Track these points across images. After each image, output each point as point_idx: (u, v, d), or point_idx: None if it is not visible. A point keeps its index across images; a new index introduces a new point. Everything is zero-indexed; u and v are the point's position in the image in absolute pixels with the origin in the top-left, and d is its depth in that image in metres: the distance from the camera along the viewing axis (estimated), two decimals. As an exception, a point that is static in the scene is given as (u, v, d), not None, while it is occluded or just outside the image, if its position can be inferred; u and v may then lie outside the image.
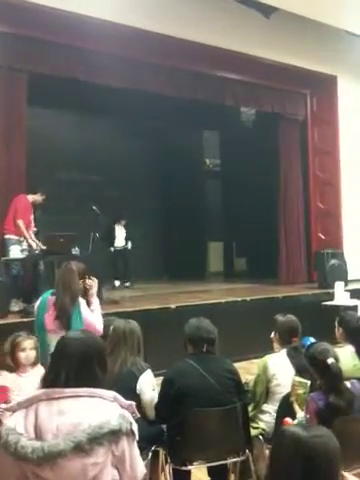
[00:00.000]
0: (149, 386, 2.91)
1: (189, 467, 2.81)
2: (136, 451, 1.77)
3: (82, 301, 3.58)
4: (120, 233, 9.20)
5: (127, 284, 9.13)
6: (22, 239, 6.01)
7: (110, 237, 9.06)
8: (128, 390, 2.65)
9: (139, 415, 1.85)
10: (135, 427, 1.75)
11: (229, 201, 11.33)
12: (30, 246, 6.03)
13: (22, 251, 5.93)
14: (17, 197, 6.17)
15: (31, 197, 6.31)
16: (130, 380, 2.85)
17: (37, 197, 6.39)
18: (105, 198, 9.07)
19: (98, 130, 10.05)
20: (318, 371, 2.60)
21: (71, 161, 9.66)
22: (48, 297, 3.61)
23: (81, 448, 1.61)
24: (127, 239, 9.21)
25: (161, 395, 2.88)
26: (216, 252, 11.91)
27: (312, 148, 9.35)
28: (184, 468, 2.79)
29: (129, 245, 9.17)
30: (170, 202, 11.08)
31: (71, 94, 7.90)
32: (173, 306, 6.33)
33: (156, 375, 3.04)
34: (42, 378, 1.89)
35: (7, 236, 5.92)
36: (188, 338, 2.98)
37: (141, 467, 1.80)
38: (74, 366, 1.77)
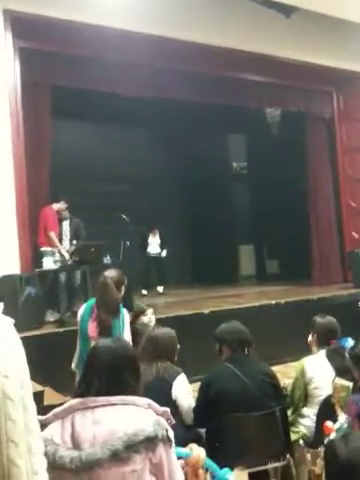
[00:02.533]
0: (184, 391, 2.90)
1: (230, 473, 2.78)
2: (174, 458, 1.76)
3: (126, 312, 3.66)
4: (153, 241, 9.24)
5: (160, 290, 9.14)
6: (55, 250, 6.14)
7: (143, 245, 9.11)
8: (163, 397, 2.65)
9: (174, 421, 1.84)
10: (171, 434, 1.73)
11: (258, 203, 11.25)
12: (63, 257, 6.14)
13: (55, 262, 6.03)
14: (44, 210, 6.32)
15: (55, 206, 6.46)
16: (164, 386, 2.85)
17: (61, 205, 6.54)
18: (133, 207, 9.14)
19: (123, 140, 10.14)
20: None
21: (98, 172, 9.76)
22: (92, 304, 3.70)
23: (118, 456, 1.62)
24: (162, 246, 9.23)
25: (199, 400, 2.87)
26: (247, 255, 11.82)
27: (340, 146, 9.20)
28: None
29: (164, 253, 9.16)
30: (199, 208, 11.06)
31: (95, 106, 8.03)
32: (206, 311, 6.30)
33: (192, 381, 3.03)
34: (76, 388, 1.89)
35: (43, 249, 6.06)
36: (224, 341, 2.95)
37: (180, 474, 1.79)
38: (105, 375, 1.77)
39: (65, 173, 8.12)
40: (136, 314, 4.28)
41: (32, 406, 1.25)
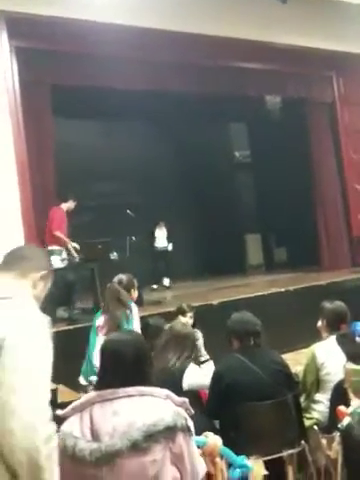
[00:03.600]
0: (195, 375, 2.91)
1: (246, 462, 2.79)
2: (194, 448, 1.77)
3: (135, 310, 3.76)
4: (160, 234, 9.23)
5: (166, 283, 9.14)
6: (63, 249, 6.16)
7: (150, 239, 9.10)
8: (173, 389, 2.65)
9: (193, 412, 1.84)
10: (191, 424, 1.74)
11: (262, 192, 11.20)
12: (70, 255, 6.16)
13: (62, 260, 6.06)
14: (53, 209, 6.34)
15: (64, 206, 6.47)
16: (173, 379, 2.85)
17: (70, 204, 6.55)
18: (138, 202, 9.14)
19: (123, 135, 10.12)
20: None
21: (101, 168, 9.75)
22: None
23: (138, 446, 1.62)
24: (169, 240, 9.22)
25: (211, 391, 2.87)
26: (254, 244, 11.79)
27: (343, 130, 9.13)
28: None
29: (170, 246, 9.16)
30: (203, 199, 11.04)
31: (94, 102, 8.01)
32: (216, 302, 6.31)
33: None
34: (96, 380, 1.92)
35: (50, 248, 6.08)
36: (233, 333, 2.96)
37: (202, 464, 1.81)
38: (125, 366, 1.78)
39: (68, 171, 8.11)
40: (177, 312, 4.33)
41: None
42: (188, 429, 1.72)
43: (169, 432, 1.66)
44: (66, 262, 6.05)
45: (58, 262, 6.00)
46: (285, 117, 9.83)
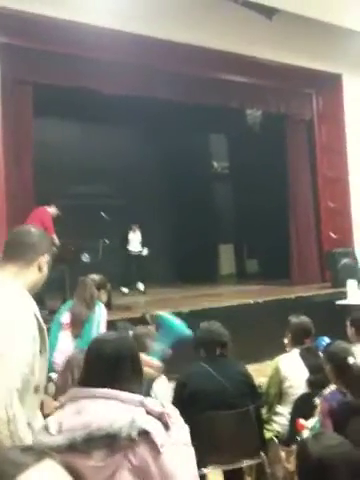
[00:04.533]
0: (164, 394, 2.90)
1: (204, 471, 2.81)
2: (170, 463, 1.56)
3: (103, 312, 3.72)
4: (134, 238, 9.21)
5: (141, 288, 9.10)
6: None
7: (123, 243, 9.07)
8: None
9: (171, 425, 1.67)
10: (158, 436, 1.57)
11: (238, 203, 11.33)
12: None
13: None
14: (40, 211, 6.26)
15: (49, 209, 6.43)
16: (144, 387, 2.85)
17: (53, 210, 6.51)
18: (114, 206, 9.11)
19: (105, 138, 10.10)
20: (337, 370, 2.57)
21: (79, 170, 9.71)
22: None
23: (75, 447, 1.55)
24: (143, 244, 9.18)
25: (174, 399, 2.88)
26: (227, 254, 11.90)
27: (320, 147, 9.31)
28: (199, 472, 2.78)
29: (145, 251, 9.10)
30: (179, 207, 11.09)
31: (78, 104, 7.97)
32: (185, 310, 6.32)
33: (170, 379, 3.04)
34: (79, 378, 1.88)
35: None
36: (200, 342, 2.98)
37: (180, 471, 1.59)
38: (103, 367, 1.73)
39: (46, 171, 8.05)
40: (140, 321, 4.29)
41: None
42: (150, 441, 1.55)
43: (111, 440, 1.55)
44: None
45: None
46: (264, 131, 9.98)
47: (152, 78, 7.37)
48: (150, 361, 2.66)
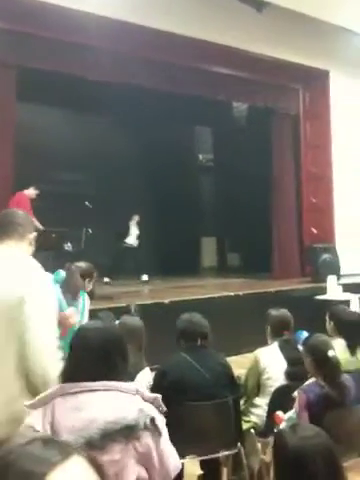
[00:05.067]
0: (147, 385, 2.90)
1: (181, 460, 2.82)
2: (165, 446, 1.67)
3: (87, 301, 3.66)
4: (134, 231, 9.17)
5: (145, 278, 9.00)
6: None
7: (125, 234, 9.01)
8: None
9: (165, 409, 1.76)
10: (160, 421, 1.66)
11: (222, 196, 11.34)
12: None
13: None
14: (18, 195, 6.26)
15: (27, 192, 6.42)
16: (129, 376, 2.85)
17: (31, 191, 6.50)
18: (96, 195, 9.03)
19: (89, 126, 9.99)
20: (316, 362, 2.60)
21: (61, 157, 9.59)
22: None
23: (93, 445, 1.53)
24: (139, 238, 9.16)
25: (153, 388, 2.88)
26: (209, 247, 11.92)
27: (304, 143, 9.36)
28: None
29: (136, 243, 9.10)
30: (164, 197, 11.05)
31: (62, 90, 7.88)
32: (166, 301, 6.33)
33: (152, 370, 3.05)
34: (61, 372, 1.78)
35: None
36: (181, 333, 2.98)
37: (175, 462, 1.71)
38: (93, 358, 1.69)
39: (28, 158, 7.94)
40: (124, 311, 4.26)
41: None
42: (155, 428, 1.62)
43: (129, 431, 1.57)
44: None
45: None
46: (250, 125, 10.01)
47: (138, 67, 7.31)
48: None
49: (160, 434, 1.64)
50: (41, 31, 6.29)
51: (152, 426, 1.62)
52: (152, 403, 1.69)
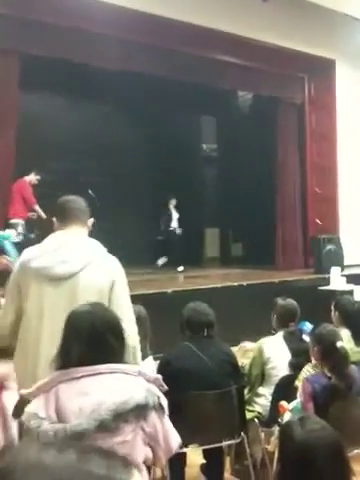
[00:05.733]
0: (149, 367, 2.91)
1: (184, 449, 2.82)
2: (168, 424, 1.72)
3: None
4: (174, 215, 9.15)
5: (180, 269, 8.95)
6: (21, 222, 6.17)
7: (168, 219, 9.01)
8: None
9: (167, 388, 1.80)
10: (164, 401, 1.70)
11: (226, 186, 11.27)
12: (25, 229, 6.14)
13: (18, 235, 5.95)
14: (20, 182, 6.31)
15: (28, 178, 6.46)
16: None
17: (32, 177, 6.55)
18: (100, 184, 9.00)
19: (92, 114, 9.92)
20: (323, 352, 2.58)
21: (65, 145, 9.53)
22: None
23: (106, 427, 1.54)
24: (180, 222, 9.12)
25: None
26: (212, 238, 11.87)
27: (309, 133, 9.29)
28: (179, 450, 2.79)
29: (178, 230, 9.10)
30: (166, 187, 11.00)
31: (65, 77, 7.82)
32: (170, 291, 6.32)
33: (154, 359, 3.04)
34: (54, 357, 1.76)
35: (12, 221, 6.04)
36: (186, 322, 2.97)
37: (175, 438, 1.75)
38: (86, 341, 1.69)
39: (30, 146, 7.90)
40: None
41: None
42: (161, 407, 1.66)
43: (140, 411, 1.59)
44: (21, 237, 5.93)
45: (14, 236, 5.89)
46: (255, 114, 9.92)
47: (142, 54, 7.23)
48: None
49: (164, 413, 1.69)
50: (43, 17, 6.20)
51: (159, 405, 1.66)
52: (154, 383, 1.73)
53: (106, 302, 2.12)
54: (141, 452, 1.62)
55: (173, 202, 9.11)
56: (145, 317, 3.08)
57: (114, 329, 1.76)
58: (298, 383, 2.71)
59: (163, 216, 8.92)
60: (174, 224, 9.12)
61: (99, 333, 1.72)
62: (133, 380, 1.67)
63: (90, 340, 1.70)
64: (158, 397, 1.66)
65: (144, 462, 1.67)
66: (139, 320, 2.99)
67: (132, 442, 1.59)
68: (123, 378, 1.66)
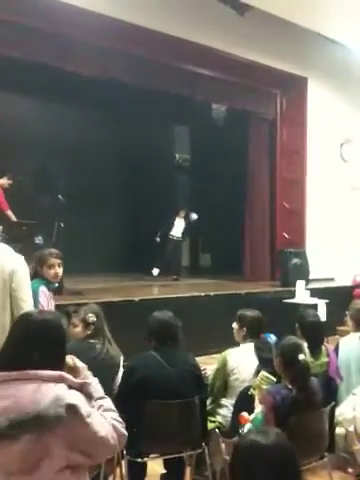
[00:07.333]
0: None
1: (145, 459, 2.81)
2: (99, 428, 1.63)
3: (41, 291, 3.54)
4: (179, 224, 9.22)
5: (156, 272, 9.08)
6: None
7: (169, 226, 9.13)
8: (110, 378, 2.80)
9: (95, 397, 1.74)
10: (84, 407, 1.62)
11: (197, 196, 11.34)
12: None
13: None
14: None
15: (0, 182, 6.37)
16: (110, 364, 2.93)
17: (4, 181, 6.43)
18: (71, 188, 8.92)
19: (66, 118, 9.83)
20: (285, 364, 2.61)
21: (37, 148, 9.43)
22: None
23: (1, 434, 1.52)
24: (185, 232, 9.27)
25: (122, 385, 2.87)
26: (182, 247, 11.89)
27: (280, 147, 9.45)
28: (140, 460, 2.78)
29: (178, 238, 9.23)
30: (138, 194, 11.00)
31: (39, 80, 7.74)
32: (136, 299, 6.30)
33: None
34: None
35: None
36: (151, 331, 2.97)
37: (119, 431, 1.71)
38: (14, 344, 1.70)
39: (1, 147, 7.79)
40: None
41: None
42: (76, 414, 1.58)
43: (40, 421, 1.55)
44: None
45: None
46: (228, 127, 10.04)
47: (118, 61, 7.23)
48: None
49: (84, 419, 1.60)
50: (19, 19, 6.13)
51: (71, 413, 1.58)
52: (80, 390, 1.67)
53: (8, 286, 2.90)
54: (58, 460, 1.58)
55: (182, 213, 9.31)
56: (99, 312, 3.13)
57: (43, 335, 1.74)
58: (253, 391, 2.71)
59: (165, 222, 9.03)
60: (175, 232, 9.16)
61: (25, 338, 1.72)
62: (46, 388, 1.62)
63: (15, 344, 1.71)
64: (69, 405, 1.58)
65: (74, 466, 1.63)
66: (98, 316, 3.05)
67: (41, 451, 1.56)
68: (35, 385, 1.62)
